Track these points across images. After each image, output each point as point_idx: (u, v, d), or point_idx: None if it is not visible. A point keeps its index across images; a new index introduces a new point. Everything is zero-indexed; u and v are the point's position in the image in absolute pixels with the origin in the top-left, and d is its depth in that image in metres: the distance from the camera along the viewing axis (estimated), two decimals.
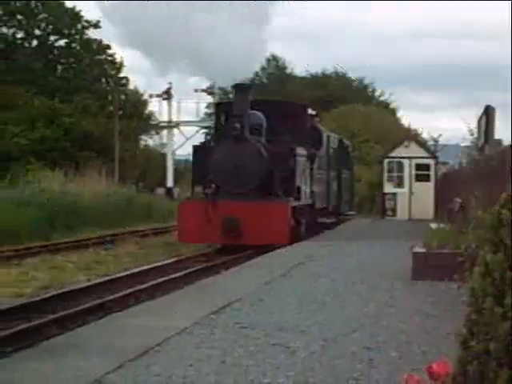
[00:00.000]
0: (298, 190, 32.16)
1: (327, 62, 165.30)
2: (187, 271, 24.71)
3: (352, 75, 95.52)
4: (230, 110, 31.35)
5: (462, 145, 42.22)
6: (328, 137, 43.20)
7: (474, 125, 25.75)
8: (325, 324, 13.60)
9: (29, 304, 19.62)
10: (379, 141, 65.93)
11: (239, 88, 29.32)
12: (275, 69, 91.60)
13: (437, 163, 54.04)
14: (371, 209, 60.19)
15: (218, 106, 32.51)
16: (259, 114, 31.17)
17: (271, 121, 31.84)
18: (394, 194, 54.53)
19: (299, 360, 10.87)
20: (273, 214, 28.13)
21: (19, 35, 59.66)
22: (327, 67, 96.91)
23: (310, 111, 36.84)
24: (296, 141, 32.57)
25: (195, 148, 32.69)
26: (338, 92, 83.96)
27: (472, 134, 25.82)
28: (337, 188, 46.34)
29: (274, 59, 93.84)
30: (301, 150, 32.08)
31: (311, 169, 35.45)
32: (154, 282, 22.44)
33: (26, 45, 60.49)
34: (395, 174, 55.11)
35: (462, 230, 20.42)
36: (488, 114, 19.94)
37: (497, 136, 20.65)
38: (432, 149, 59.13)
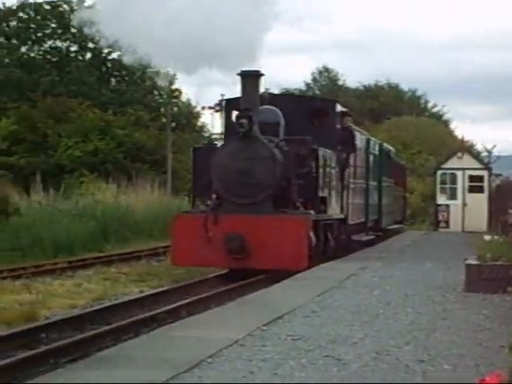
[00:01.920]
0: (323, 200, 26.99)
1: (379, 72, 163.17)
2: (238, 284, 23.83)
3: (404, 86, 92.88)
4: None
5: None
6: (368, 141, 39.07)
7: None
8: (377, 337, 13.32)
9: (82, 315, 19.65)
10: (432, 152, 65.91)
11: (246, 76, 24.21)
12: (327, 80, 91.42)
13: (490, 175, 53.55)
14: (424, 221, 59.93)
15: (228, 102, 28.12)
16: (276, 109, 26.31)
17: (292, 119, 26.66)
18: (447, 206, 54.15)
19: (352, 372, 10.71)
20: (287, 230, 23.04)
21: (73, 48, 59.89)
22: (380, 78, 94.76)
23: (340, 108, 31.10)
24: (322, 142, 27.26)
25: (195, 150, 28.23)
26: (391, 103, 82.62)
27: None
28: (377, 200, 42.32)
29: (325, 70, 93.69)
30: (326, 153, 27.11)
31: (342, 176, 30.43)
32: (206, 295, 22.16)
33: (80, 58, 60.68)
34: (448, 186, 54.98)
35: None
36: None
37: None
38: (485, 160, 59.25)
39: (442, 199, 54.86)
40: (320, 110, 29.53)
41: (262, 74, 24.59)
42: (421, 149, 71.31)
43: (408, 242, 39.81)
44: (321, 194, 26.24)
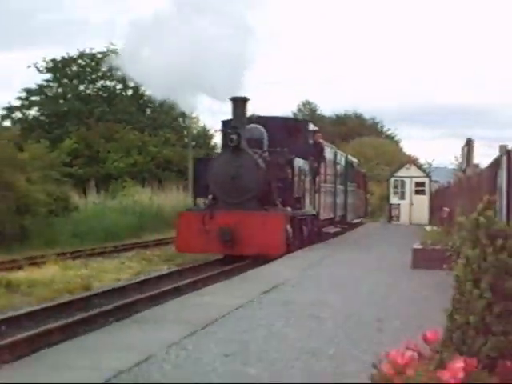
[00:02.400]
0: (298, 200, 26.55)
1: (347, 104, 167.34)
2: (243, 263, 23.31)
3: (366, 115, 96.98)
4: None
5: (450, 167, 44.48)
6: (335, 154, 38.35)
7: (458, 153, 26.81)
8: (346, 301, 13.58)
9: (125, 286, 20.09)
10: (387, 164, 69.72)
11: (236, 100, 24.12)
12: (309, 110, 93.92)
13: (430, 181, 55.44)
14: (380, 215, 61.03)
15: (223, 122, 27.37)
16: (260, 127, 26.19)
17: (274, 135, 26.64)
18: (398, 204, 55.54)
19: (328, 327, 11.08)
20: (268, 224, 22.68)
21: (118, 86, 61.56)
22: (348, 109, 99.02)
23: (312, 127, 30.92)
24: (298, 154, 27.01)
25: (196, 160, 27.69)
26: (356, 128, 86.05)
27: (457, 160, 27.06)
28: (344, 200, 41.49)
29: (307, 103, 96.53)
30: (299, 162, 26.57)
31: (314, 181, 29.92)
32: (218, 271, 22.26)
33: (124, 94, 62.50)
34: (399, 190, 56.55)
35: (449, 231, 20.71)
36: (469, 144, 20.73)
37: (475, 161, 21.59)
38: (427, 170, 61.11)
39: (394, 199, 56.06)
40: (296, 128, 29.23)
41: (248, 99, 24.36)
42: (378, 161, 73.07)
43: (368, 232, 40.06)
44: (296, 195, 25.66)
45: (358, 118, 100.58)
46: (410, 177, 56.10)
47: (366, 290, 15.09)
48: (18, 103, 56.02)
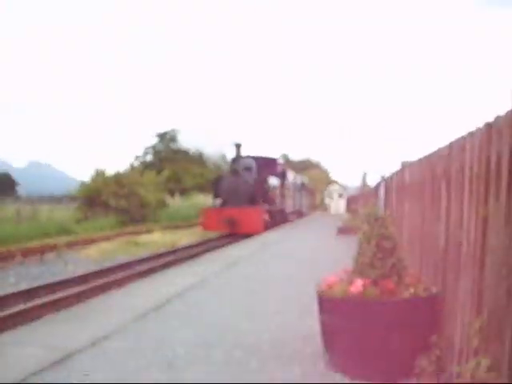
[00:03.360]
0: (273, 200, 28.48)
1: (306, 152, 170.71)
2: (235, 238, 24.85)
3: (313, 159, 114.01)
4: (243, 163, 27.43)
5: (355, 185, 48.63)
6: (295, 176, 42.28)
7: (360, 177, 29.79)
8: (301, 252, 14.73)
9: (194, 245, 20.90)
10: (324, 183, 78.57)
11: (236, 145, 26.03)
12: (284, 157, 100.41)
13: (345, 191, 60.95)
14: (321, 209, 67.90)
15: (232, 159, 27.52)
16: (251, 160, 27.75)
17: (260, 166, 27.80)
18: (329, 203, 61.60)
19: (295, 265, 11.48)
20: (253, 214, 23.92)
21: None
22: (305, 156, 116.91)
23: (280, 161, 33.66)
24: (272, 175, 29.15)
25: (215, 178, 27.57)
26: (309, 166, 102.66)
27: (361, 181, 29.55)
28: (300, 201, 44.79)
29: (284, 155, 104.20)
30: (272, 179, 29.26)
31: (282, 189, 32.09)
32: (225, 242, 22.85)
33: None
34: (329, 196, 61.65)
35: (354, 217, 23.62)
36: (364, 175, 26.69)
37: (368, 181, 24.97)
38: (343, 186, 66.72)
39: (327, 200, 62.99)
40: (271, 162, 30.83)
41: (241, 145, 26.58)
42: (318, 182, 78.21)
43: (315, 217, 45.07)
44: (270, 198, 27.84)
45: (309, 161, 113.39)
46: (335, 189, 64.07)
47: (313, 244, 16.48)
48: (141, 154, 68.64)
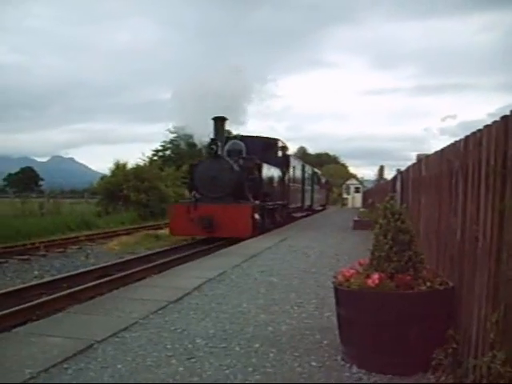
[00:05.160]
0: (267, 194, 21.05)
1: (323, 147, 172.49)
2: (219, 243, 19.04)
3: (331, 152, 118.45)
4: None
5: (372, 179, 50.05)
6: (303, 165, 33.84)
7: (375, 172, 30.47)
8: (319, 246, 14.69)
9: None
10: (341, 178, 78.47)
11: (216, 119, 18.83)
12: (303, 152, 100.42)
13: (362, 186, 60.81)
14: (338, 203, 67.19)
15: (212, 140, 19.87)
16: (239, 142, 20.89)
17: (253, 150, 21.04)
18: (347, 198, 60.19)
19: (311, 259, 11.59)
20: (237, 213, 17.78)
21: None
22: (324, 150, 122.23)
23: (281, 143, 25.13)
24: (270, 163, 22.10)
25: (190, 165, 21.18)
26: (326, 160, 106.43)
27: (376, 175, 29.44)
28: (310, 195, 37.68)
29: (302, 148, 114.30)
30: (268, 167, 21.62)
31: (283, 182, 24.67)
32: (215, 245, 18.27)
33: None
34: (347, 190, 60.89)
35: (371, 211, 23.18)
36: (382, 168, 23.73)
37: (385, 176, 24.06)
38: (361, 181, 70.04)
39: (345, 195, 61.76)
40: (269, 144, 23.60)
41: (226, 119, 19.01)
42: (337, 176, 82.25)
43: (330, 212, 44.14)
44: (265, 191, 20.59)
45: (326, 155, 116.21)
46: (353, 184, 63.23)
47: (329, 241, 16.25)
48: (160, 148, 64.75)
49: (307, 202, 35.85)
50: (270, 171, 22.68)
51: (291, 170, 27.68)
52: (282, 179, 25.00)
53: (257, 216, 18.85)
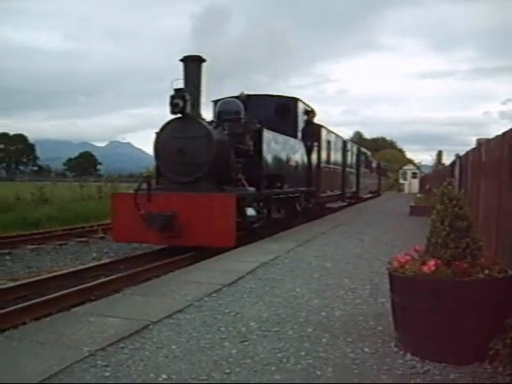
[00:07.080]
0: (275, 177, 14.18)
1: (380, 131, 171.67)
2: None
3: (387, 137, 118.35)
4: (224, 106, 13.57)
5: (430, 165, 49.78)
6: (344, 142, 26.29)
7: (433, 157, 29.31)
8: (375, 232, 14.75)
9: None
10: (398, 163, 79.64)
11: (187, 60, 11.66)
12: (358, 135, 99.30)
13: (420, 172, 60.75)
14: (394, 189, 67.32)
15: (215, 102, 14.69)
16: (236, 100, 13.59)
17: (262, 114, 14.59)
18: (403, 183, 60.11)
19: (366, 244, 11.56)
20: (212, 208, 10.70)
21: None
22: (381, 135, 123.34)
23: (302, 106, 17.38)
24: (286, 133, 15.25)
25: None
26: (382, 145, 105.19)
27: (434, 160, 28.70)
28: (356, 179, 30.26)
29: (358, 133, 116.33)
30: (276, 136, 14.27)
31: (309, 160, 17.77)
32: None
33: None
34: (404, 176, 60.34)
35: (428, 197, 23.37)
36: (439, 153, 23.52)
37: (443, 161, 23.60)
38: (418, 166, 69.60)
39: (401, 180, 61.18)
40: (284, 107, 16.34)
41: (204, 60, 11.75)
42: (394, 161, 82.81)
43: (386, 198, 43.71)
44: (271, 172, 13.84)
45: (383, 139, 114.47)
46: (410, 169, 61.76)
47: (385, 226, 16.20)
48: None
49: (350, 189, 28.62)
50: (281, 143, 15.46)
51: (324, 145, 20.87)
52: (306, 157, 18.37)
53: (251, 211, 12.29)
